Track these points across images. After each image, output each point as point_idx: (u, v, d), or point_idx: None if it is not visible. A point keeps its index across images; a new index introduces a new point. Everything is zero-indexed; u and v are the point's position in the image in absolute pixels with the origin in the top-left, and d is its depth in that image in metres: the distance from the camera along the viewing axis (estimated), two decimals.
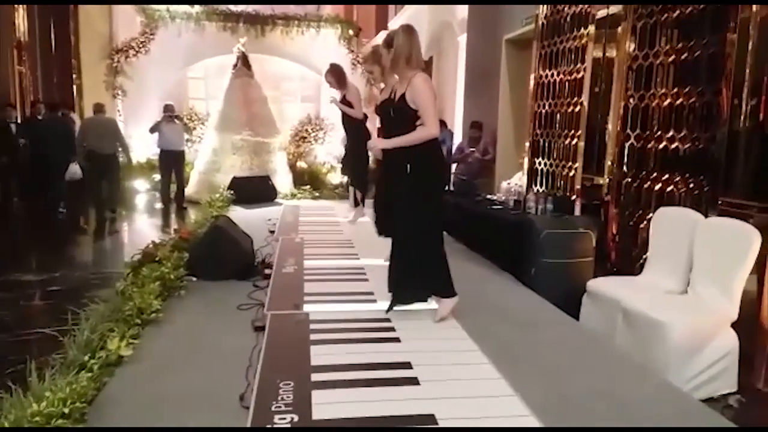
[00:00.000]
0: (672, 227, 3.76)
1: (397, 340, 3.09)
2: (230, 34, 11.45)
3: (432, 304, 3.49)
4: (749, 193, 3.42)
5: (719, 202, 3.53)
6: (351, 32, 12.08)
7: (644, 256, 4.25)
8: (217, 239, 4.28)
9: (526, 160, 5.93)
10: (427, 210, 3.32)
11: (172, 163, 9.08)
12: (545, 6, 5.67)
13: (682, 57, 3.89)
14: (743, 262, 3.17)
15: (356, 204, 6.55)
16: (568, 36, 5.25)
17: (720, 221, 3.41)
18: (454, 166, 7.29)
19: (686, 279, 3.64)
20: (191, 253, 4.21)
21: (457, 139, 9.23)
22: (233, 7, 11.44)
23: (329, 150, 11.87)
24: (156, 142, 9.14)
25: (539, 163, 5.75)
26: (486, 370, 2.73)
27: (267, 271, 4.39)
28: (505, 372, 2.70)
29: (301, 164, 11.52)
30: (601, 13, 4.80)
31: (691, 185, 3.84)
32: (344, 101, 6.21)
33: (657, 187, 4.13)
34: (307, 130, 11.70)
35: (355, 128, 6.20)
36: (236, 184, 8.03)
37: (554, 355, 3.01)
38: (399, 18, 12.40)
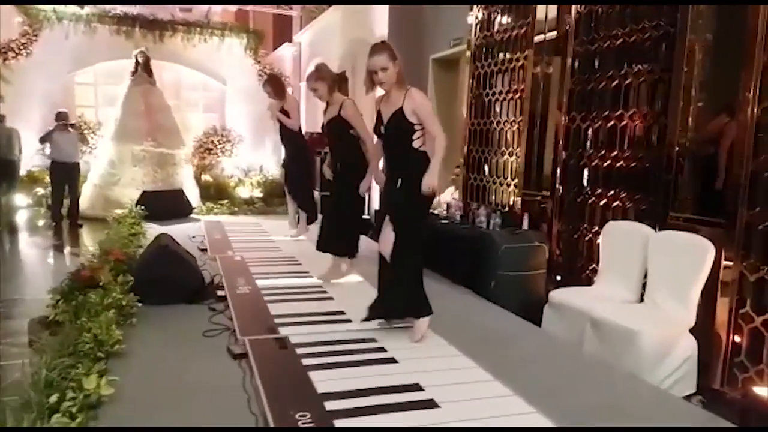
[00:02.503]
0: (623, 240, 4.02)
1: (393, 360, 3.01)
2: (124, 38, 10.70)
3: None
4: (695, 208, 3.74)
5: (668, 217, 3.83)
6: (255, 42, 11.77)
7: (590, 268, 4.52)
8: (164, 260, 3.93)
9: (461, 176, 6.09)
10: (418, 224, 3.30)
11: (65, 175, 8.27)
12: (478, 29, 5.89)
13: (626, 81, 4.20)
14: (699, 273, 3.45)
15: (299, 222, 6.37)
16: (504, 58, 5.47)
17: (673, 234, 3.70)
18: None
19: (639, 289, 3.91)
20: (136, 277, 3.83)
21: None
22: (129, 9, 10.69)
23: (236, 162, 11.43)
24: (47, 153, 8.29)
25: (474, 179, 5.92)
26: (496, 388, 2.74)
27: (220, 293, 4.11)
28: (515, 388, 2.72)
29: (207, 177, 10.98)
30: (539, 37, 5.05)
31: (638, 201, 4.13)
32: (283, 112, 6.02)
33: (602, 202, 4.41)
34: (213, 142, 11.18)
35: (294, 141, 6.02)
36: (147, 198, 7.47)
37: (549, 369, 3.08)
38: (307, 31, 12.29)
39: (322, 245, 4.50)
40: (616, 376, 3.07)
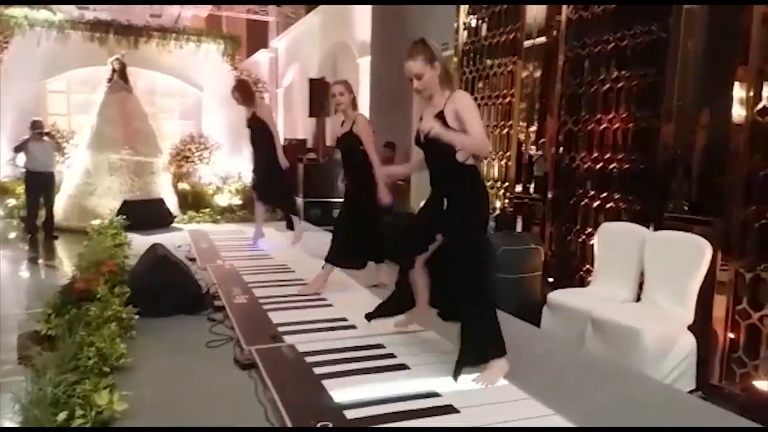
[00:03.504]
0: (618, 241, 4.08)
1: (405, 367, 2.99)
2: (98, 45, 10.50)
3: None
4: (690, 209, 3.83)
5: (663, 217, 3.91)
6: (232, 48, 11.66)
7: (583, 269, 4.58)
8: (162, 270, 3.85)
9: None
10: (480, 249, 2.91)
11: (41, 185, 8.08)
12: (466, 33, 5.94)
13: (619, 85, 4.28)
14: (697, 271, 3.53)
15: (291, 227, 6.30)
16: (492, 63, 5.53)
17: (670, 234, 3.77)
18: None
19: (635, 288, 3.97)
20: (133, 288, 3.74)
21: None
22: (103, 15, 10.50)
23: (214, 170, 11.29)
24: (19, 163, 8.08)
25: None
26: (512, 391, 2.74)
27: (217, 303, 4.04)
28: (532, 391, 2.73)
29: (184, 186, 10.83)
30: (528, 42, 5.12)
31: (631, 202, 4.21)
32: (255, 119, 5.94)
33: (595, 204, 4.47)
34: (190, 149, 11.02)
35: (268, 149, 5.91)
36: (129, 207, 7.30)
37: (561, 370, 3.10)
38: (285, 36, 12.23)
39: (355, 263, 4.46)
40: (629, 376, 3.10)
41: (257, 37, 15.94)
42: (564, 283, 4.61)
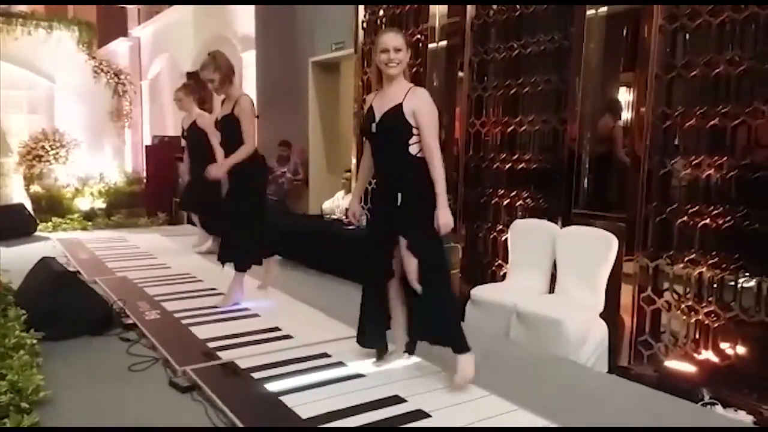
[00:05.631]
0: (530, 236, 4.32)
1: (360, 375, 2.92)
2: None
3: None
4: (593, 205, 4.15)
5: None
6: (89, 36, 10.61)
7: (495, 264, 4.80)
8: (64, 287, 3.40)
9: (353, 181, 6.07)
10: (439, 242, 2.85)
11: None
12: (362, 33, 5.93)
13: (525, 90, 4.52)
14: (605, 263, 3.84)
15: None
16: None
17: (579, 230, 4.06)
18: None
19: (548, 280, 4.24)
20: (30, 309, 3.26)
21: None
22: None
23: (71, 170, 10.19)
24: None
25: (369, 183, 5.93)
26: (473, 391, 2.79)
27: (127, 321, 3.66)
28: (491, 388, 2.80)
29: (36, 188, 9.66)
30: (432, 45, 5.24)
31: (539, 200, 4.47)
32: (195, 127, 5.50)
33: (505, 202, 4.70)
34: (43, 147, 9.85)
35: (205, 153, 5.40)
36: None
37: (499, 362, 3.21)
38: (149, 25, 11.36)
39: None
40: (564, 365, 3.30)
41: (112, 25, 14.66)
42: (477, 279, 4.78)
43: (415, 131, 2.76)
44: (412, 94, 2.76)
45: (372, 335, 3.05)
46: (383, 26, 5.77)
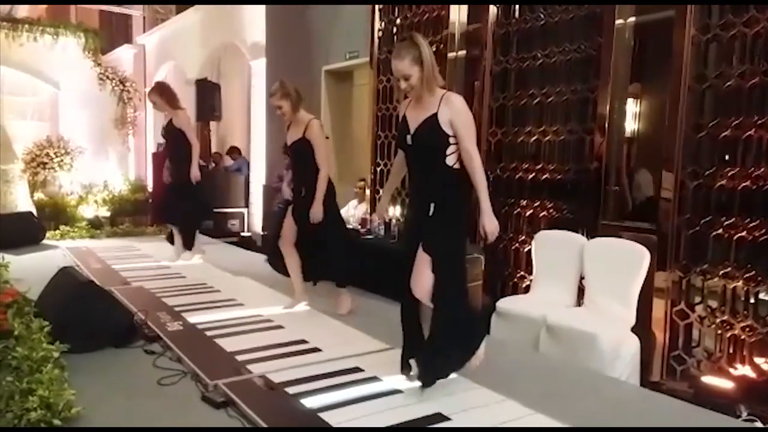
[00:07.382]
0: (556, 247, 4.26)
1: (398, 391, 2.82)
2: None
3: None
4: (620, 216, 4.10)
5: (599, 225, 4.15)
6: (95, 42, 10.52)
7: (517, 275, 4.73)
8: (89, 297, 3.31)
9: (367, 190, 6.01)
10: (461, 260, 2.81)
11: None
12: (377, 44, 5.89)
13: (549, 101, 4.47)
14: (637, 276, 3.77)
15: (188, 247, 5.72)
16: None
17: (609, 241, 4.00)
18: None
19: (575, 293, 4.17)
20: (55, 319, 3.16)
21: (255, 165, 8.82)
22: None
23: (76, 177, 10.06)
24: None
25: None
26: (488, 395, 2.72)
27: (149, 333, 3.57)
28: (509, 394, 2.73)
29: (40, 195, 9.53)
30: (451, 55, 5.19)
31: (564, 210, 4.42)
32: (171, 126, 5.43)
33: (528, 213, 4.64)
34: (48, 154, 9.73)
35: (185, 159, 5.40)
36: None
37: (528, 376, 3.14)
38: (155, 32, 11.31)
39: (315, 275, 4.24)
40: (599, 379, 3.23)
41: (115, 31, 14.61)
42: (499, 291, 4.72)
43: (452, 140, 2.68)
44: (446, 101, 2.67)
45: (402, 356, 2.98)
46: (398, 36, 5.73)
